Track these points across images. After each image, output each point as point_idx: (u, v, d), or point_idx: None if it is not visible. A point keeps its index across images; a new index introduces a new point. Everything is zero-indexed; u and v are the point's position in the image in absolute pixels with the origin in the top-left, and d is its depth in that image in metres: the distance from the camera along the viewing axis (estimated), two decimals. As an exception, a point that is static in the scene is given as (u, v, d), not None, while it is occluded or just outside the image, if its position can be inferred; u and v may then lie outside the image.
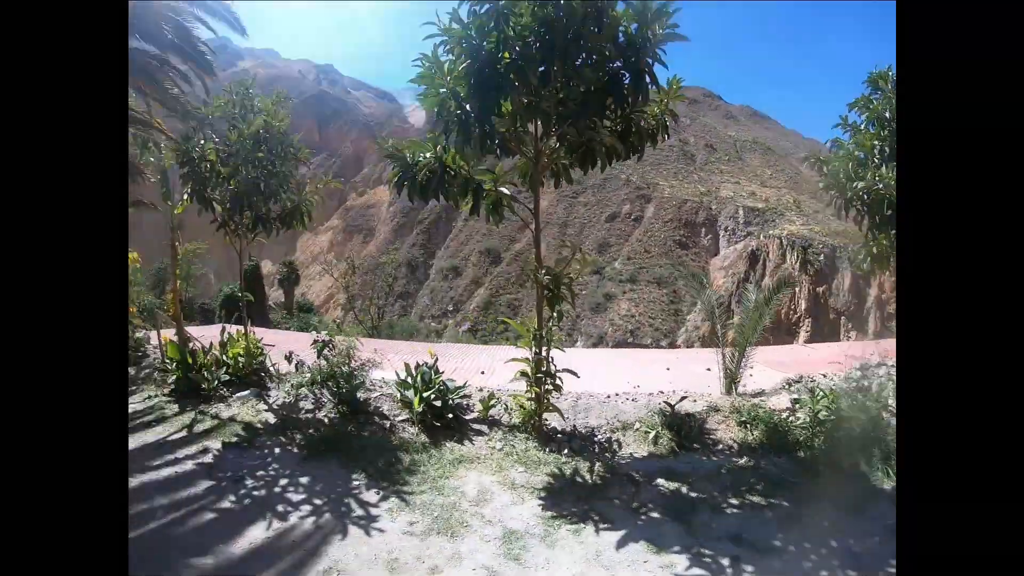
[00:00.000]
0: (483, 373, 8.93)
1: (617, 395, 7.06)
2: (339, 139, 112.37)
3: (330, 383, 6.65)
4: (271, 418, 6.54)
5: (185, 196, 8.15)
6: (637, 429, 6.01)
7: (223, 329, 8.36)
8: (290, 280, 53.74)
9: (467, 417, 6.36)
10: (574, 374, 5.89)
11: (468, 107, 4.90)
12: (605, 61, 5.05)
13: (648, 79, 5.03)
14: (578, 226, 73.42)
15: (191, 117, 7.58)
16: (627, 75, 5.06)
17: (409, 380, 6.49)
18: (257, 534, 4.13)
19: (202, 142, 7.49)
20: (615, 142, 5.54)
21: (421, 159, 5.55)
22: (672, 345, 52.63)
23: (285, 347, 8.58)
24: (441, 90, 4.99)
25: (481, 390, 7.09)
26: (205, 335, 9.25)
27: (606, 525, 4.25)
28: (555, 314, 5.70)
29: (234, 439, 5.93)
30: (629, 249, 68.86)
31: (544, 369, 5.75)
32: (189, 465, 5.37)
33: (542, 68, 4.95)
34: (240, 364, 7.70)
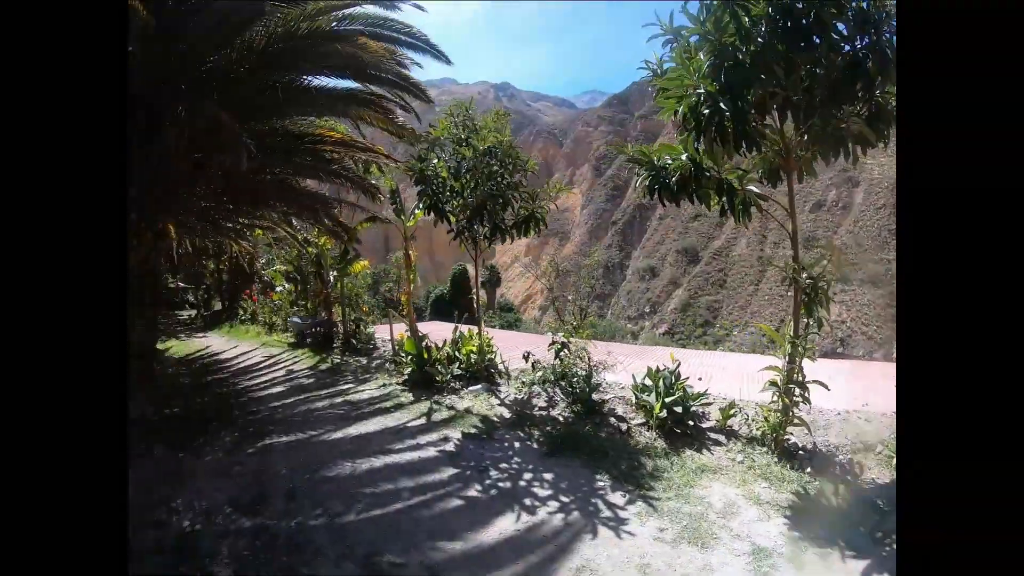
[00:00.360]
0: (700, 379, 8.61)
1: (848, 412, 6.45)
2: (526, 149, 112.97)
3: (562, 382, 6.74)
4: (505, 412, 6.80)
5: (417, 210, 8.82)
6: (879, 452, 5.42)
7: (455, 328, 8.87)
8: (492, 282, 56.29)
9: (703, 425, 6.13)
10: (824, 386, 5.42)
11: (722, 105, 4.67)
12: (843, 43, 4.63)
13: (891, 56, 4.49)
14: (780, 216, 68.17)
15: (422, 140, 8.27)
16: (868, 55, 4.56)
17: (649, 383, 6.39)
18: (506, 525, 4.23)
19: (434, 161, 8.04)
20: (863, 128, 5.00)
21: (670, 162, 5.41)
22: (887, 358, 47.32)
23: (498, 344, 8.89)
24: (698, 90, 4.77)
25: (708, 396, 6.77)
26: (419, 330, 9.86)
27: (852, 552, 3.87)
28: (812, 321, 5.29)
29: (473, 430, 6.23)
30: (839, 242, 62.94)
31: (795, 379, 5.35)
32: (431, 452, 5.70)
33: (785, 58, 4.61)
34: (472, 360, 8.11)
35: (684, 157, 5.33)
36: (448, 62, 7.88)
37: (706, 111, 4.71)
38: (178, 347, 14.24)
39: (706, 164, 5.32)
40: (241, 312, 18.09)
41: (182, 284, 22.50)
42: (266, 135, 8.15)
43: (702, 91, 4.72)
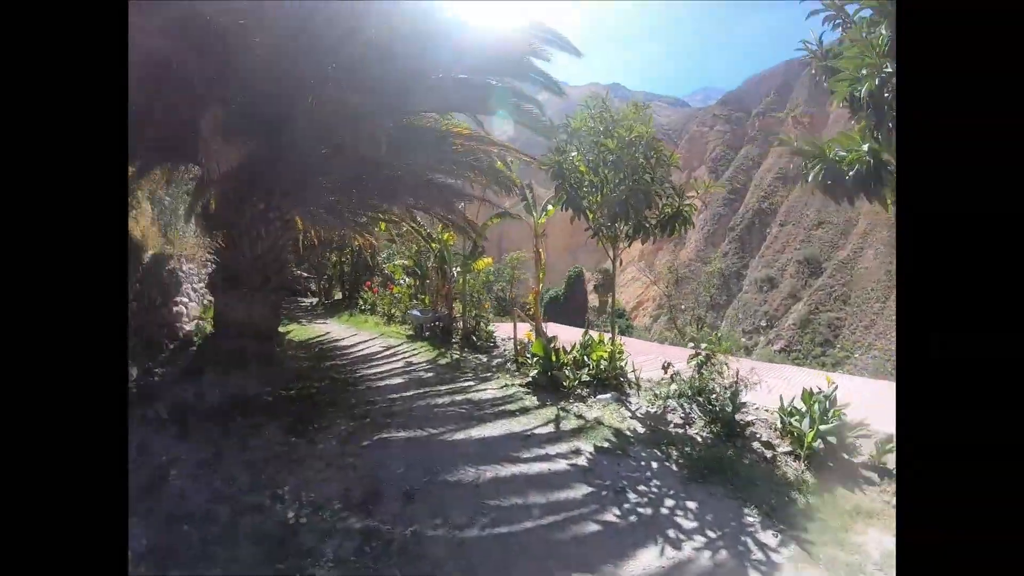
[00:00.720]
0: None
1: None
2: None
3: (700, 398, 6.26)
4: (639, 427, 6.34)
5: (550, 206, 8.58)
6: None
7: (585, 331, 8.58)
8: (605, 286, 55.85)
9: (855, 460, 5.44)
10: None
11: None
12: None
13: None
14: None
15: (558, 132, 7.97)
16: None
17: (801, 407, 5.77)
18: (649, 559, 3.79)
19: (573, 154, 7.70)
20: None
21: (844, 155, 4.80)
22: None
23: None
24: (886, 69, 4.09)
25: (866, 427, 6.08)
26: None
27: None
28: None
29: (606, 444, 5.81)
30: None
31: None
32: (562, 464, 5.33)
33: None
34: (602, 367, 7.76)
35: (865, 148, 4.67)
36: (578, 54, 7.59)
37: (887, 94, 4.12)
38: (299, 331, 14.78)
39: (884, 157, 4.67)
40: (361, 302, 18.64)
41: (305, 274, 23.62)
42: (398, 130, 8.13)
43: (889, 70, 4.11)
